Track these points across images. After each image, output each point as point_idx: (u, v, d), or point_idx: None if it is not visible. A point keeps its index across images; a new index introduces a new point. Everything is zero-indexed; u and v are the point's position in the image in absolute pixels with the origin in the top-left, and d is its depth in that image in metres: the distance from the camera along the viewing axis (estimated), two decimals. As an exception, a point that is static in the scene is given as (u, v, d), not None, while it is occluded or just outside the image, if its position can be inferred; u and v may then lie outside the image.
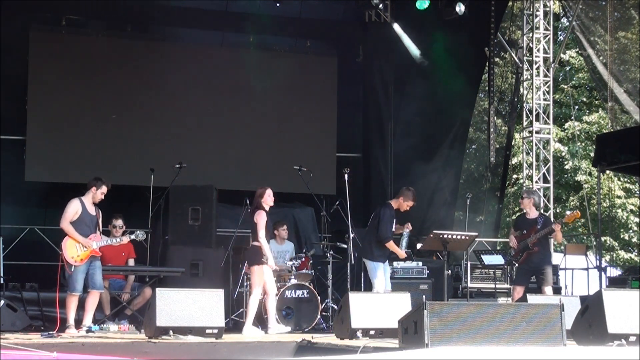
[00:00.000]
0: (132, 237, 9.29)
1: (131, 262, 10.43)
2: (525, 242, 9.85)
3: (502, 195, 15.67)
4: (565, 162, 21.69)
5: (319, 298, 10.22)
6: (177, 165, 11.43)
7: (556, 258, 14.11)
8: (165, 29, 14.49)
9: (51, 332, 8.14)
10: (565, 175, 22.01)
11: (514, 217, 15.56)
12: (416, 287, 10.92)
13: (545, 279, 9.85)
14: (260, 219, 9.26)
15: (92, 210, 8.89)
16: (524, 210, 10.30)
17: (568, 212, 10.20)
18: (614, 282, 12.08)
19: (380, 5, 13.64)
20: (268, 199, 9.39)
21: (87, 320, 8.73)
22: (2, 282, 10.33)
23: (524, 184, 14.84)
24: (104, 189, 8.89)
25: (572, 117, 20.11)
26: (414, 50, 13.99)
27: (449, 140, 14.59)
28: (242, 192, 12.26)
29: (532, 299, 8.57)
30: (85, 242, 8.68)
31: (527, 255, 9.86)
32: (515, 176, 20.38)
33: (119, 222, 10.26)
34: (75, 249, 8.66)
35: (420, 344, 5.73)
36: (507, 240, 10.64)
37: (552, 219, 12.19)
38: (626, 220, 21.24)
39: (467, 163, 19.99)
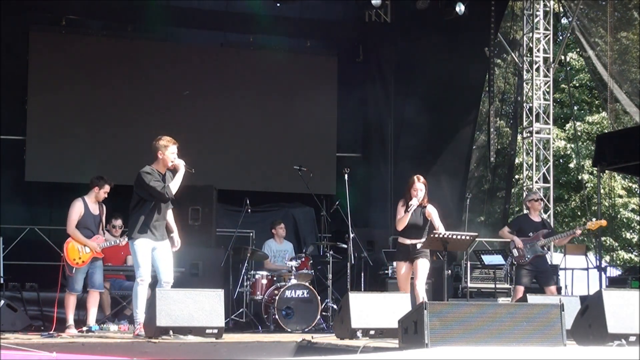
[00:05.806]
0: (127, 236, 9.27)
1: (130, 260, 10.42)
2: (534, 244, 9.91)
3: (509, 195, 15.58)
4: (570, 161, 21.65)
5: (319, 298, 10.21)
6: (177, 165, 11.39)
7: (556, 258, 14.13)
8: (165, 29, 14.47)
9: (51, 332, 8.14)
10: (567, 174, 21.98)
11: (512, 216, 15.48)
12: (416, 287, 10.91)
13: (550, 278, 10.15)
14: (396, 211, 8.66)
15: (94, 209, 8.84)
16: (526, 212, 10.31)
17: (594, 220, 10.17)
18: (614, 282, 12.08)
19: (380, 6, 13.62)
20: (412, 191, 8.55)
21: (91, 320, 8.68)
22: (2, 282, 10.33)
23: (525, 184, 14.82)
24: (107, 188, 8.84)
25: (573, 118, 20.05)
26: None
27: (450, 141, 14.56)
28: (242, 192, 12.27)
29: (532, 299, 8.56)
30: (92, 245, 8.64)
31: (534, 258, 9.91)
32: (516, 177, 20.34)
33: (118, 222, 10.25)
34: (77, 252, 8.60)
35: (420, 344, 5.72)
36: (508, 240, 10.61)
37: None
38: (628, 221, 21.23)
39: (468, 163, 19.93)
